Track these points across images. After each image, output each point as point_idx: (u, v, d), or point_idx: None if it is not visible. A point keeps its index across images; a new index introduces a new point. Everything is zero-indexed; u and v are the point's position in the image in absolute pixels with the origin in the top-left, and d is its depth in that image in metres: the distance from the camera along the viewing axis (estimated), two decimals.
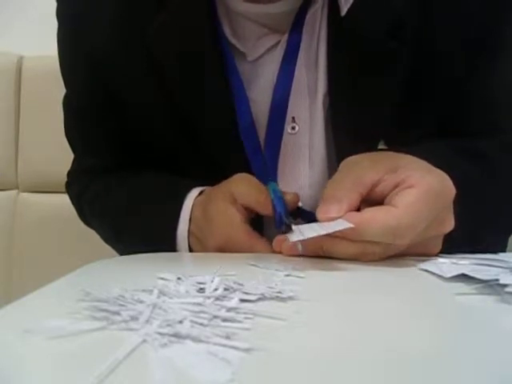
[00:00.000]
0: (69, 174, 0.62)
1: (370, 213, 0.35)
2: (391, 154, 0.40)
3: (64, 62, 0.54)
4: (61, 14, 0.52)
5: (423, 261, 0.35)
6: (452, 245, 0.38)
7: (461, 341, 0.22)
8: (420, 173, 0.36)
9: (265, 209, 0.42)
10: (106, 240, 0.57)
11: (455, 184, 0.36)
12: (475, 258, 0.34)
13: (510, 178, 0.47)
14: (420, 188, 0.35)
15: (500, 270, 0.31)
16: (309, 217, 0.43)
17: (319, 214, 0.36)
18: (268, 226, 0.48)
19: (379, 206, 0.36)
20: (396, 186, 0.36)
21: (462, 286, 0.29)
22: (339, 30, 0.46)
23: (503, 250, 0.48)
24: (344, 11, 0.45)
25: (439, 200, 0.35)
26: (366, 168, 0.37)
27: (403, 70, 0.46)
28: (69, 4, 0.52)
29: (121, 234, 0.53)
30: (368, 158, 0.39)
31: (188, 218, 0.46)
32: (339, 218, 0.35)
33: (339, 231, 0.34)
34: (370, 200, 0.37)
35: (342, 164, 0.39)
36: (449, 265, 0.33)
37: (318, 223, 0.37)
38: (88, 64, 0.51)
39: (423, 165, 0.38)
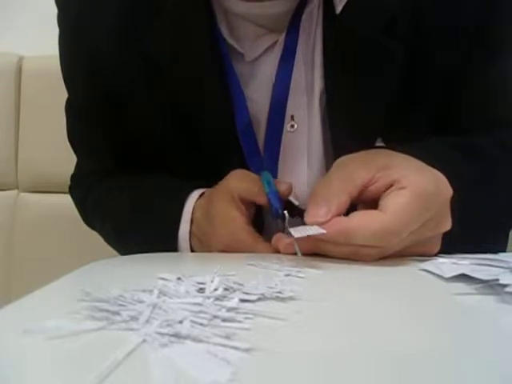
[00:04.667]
0: (72, 177, 0.63)
1: (356, 218, 0.35)
2: (384, 152, 0.40)
3: (64, 63, 0.54)
4: (61, 16, 0.53)
5: (423, 261, 0.35)
6: (451, 244, 0.38)
7: (461, 341, 0.22)
8: (414, 173, 0.36)
9: (260, 199, 0.42)
10: (109, 243, 0.57)
11: (453, 182, 0.36)
12: (475, 258, 0.34)
13: (510, 176, 0.47)
14: (412, 190, 0.35)
15: (500, 269, 0.30)
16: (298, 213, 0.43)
17: (307, 218, 0.36)
18: (268, 225, 0.48)
19: (371, 207, 0.36)
20: (390, 186, 0.36)
21: (461, 286, 0.29)
22: (335, 29, 0.46)
23: (503, 250, 0.48)
24: (338, 9, 0.45)
25: (433, 201, 0.35)
26: (357, 168, 0.37)
27: (399, 68, 0.46)
28: (69, 5, 0.52)
29: (123, 236, 0.53)
30: (359, 157, 0.39)
31: (189, 219, 0.46)
32: (327, 221, 0.35)
33: (312, 236, 0.34)
34: (365, 199, 0.37)
35: (334, 165, 0.39)
36: (449, 265, 0.33)
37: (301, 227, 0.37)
38: (88, 64, 0.51)
39: (416, 164, 0.37)
